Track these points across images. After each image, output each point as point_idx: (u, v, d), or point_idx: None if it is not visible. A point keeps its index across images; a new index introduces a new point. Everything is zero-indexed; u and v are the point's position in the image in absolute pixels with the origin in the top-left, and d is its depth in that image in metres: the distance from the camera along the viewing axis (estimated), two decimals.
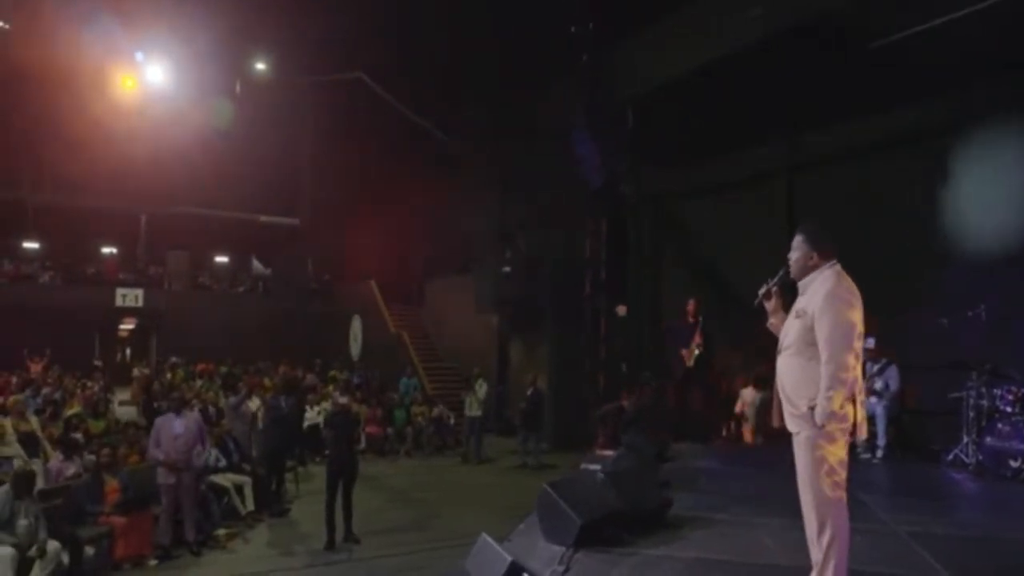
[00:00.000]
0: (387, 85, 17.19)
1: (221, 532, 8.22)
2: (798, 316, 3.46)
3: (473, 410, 13.78)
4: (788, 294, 3.64)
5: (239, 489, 9.11)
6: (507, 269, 16.51)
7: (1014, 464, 6.59)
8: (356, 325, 22.67)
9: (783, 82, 9.88)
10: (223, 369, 17.48)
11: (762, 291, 3.71)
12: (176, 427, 7.87)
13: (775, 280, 3.67)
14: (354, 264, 22.96)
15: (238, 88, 18.95)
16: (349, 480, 8.09)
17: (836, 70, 9.18)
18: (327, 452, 9.00)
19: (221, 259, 27.87)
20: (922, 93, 9.08)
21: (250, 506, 9.14)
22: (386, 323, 21.07)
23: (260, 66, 18.20)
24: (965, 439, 7.25)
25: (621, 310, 13.02)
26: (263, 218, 24.55)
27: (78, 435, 8.89)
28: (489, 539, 3.50)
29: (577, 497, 4.58)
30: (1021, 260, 7.81)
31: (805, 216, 7.29)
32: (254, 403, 11.34)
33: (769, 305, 3.71)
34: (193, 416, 8.36)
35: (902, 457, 7.91)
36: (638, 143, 12.63)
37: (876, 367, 8.08)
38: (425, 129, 17.21)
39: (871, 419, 7.90)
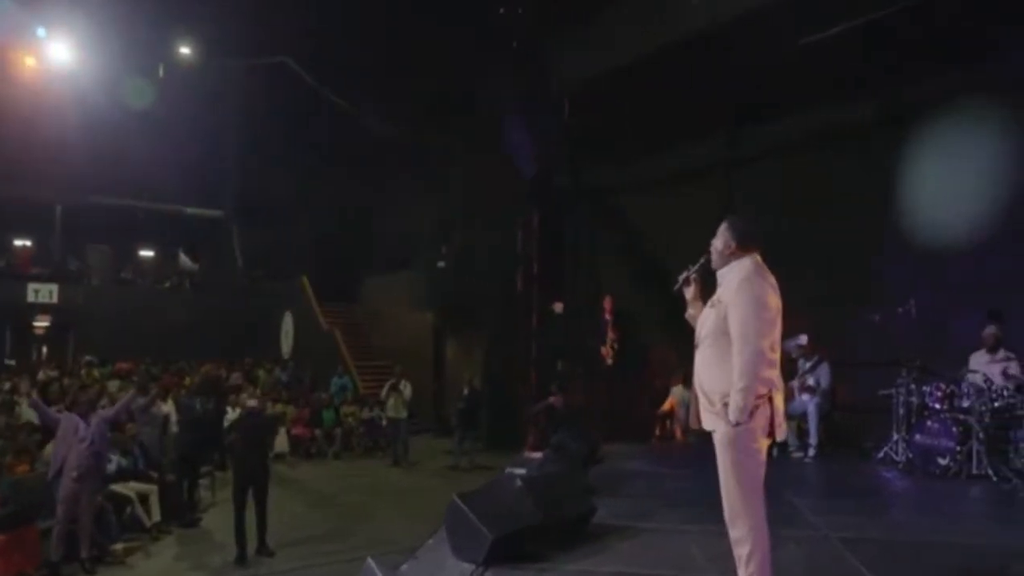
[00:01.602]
0: (319, 73, 16.48)
1: (119, 546, 7.57)
2: (712, 306, 3.26)
3: (399, 411, 13.25)
4: (709, 286, 3.40)
5: (143, 499, 8.44)
6: (442, 264, 16.11)
7: (942, 461, 6.59)
8: (287, 322, 21.99)
9: (722, 76, 9.71)
10: (142, 368, 16.57)
11: (681, 277, 3.51)
12: (81, 431, 7.20)
13: (695, 267, 3.49)
14: (286, 259, 22.17)
15: (161, 72, 17.90)
16: (260, 489, 7.54)
17: (773, 64, 9.05)
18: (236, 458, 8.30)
19: (146, 253, 26.63)
20: (858, 88, 9.06)
21: (156, 516, 8.48)
22: (318, 320, 20.39)
23: (183, 49, 17.19)
24: (895, 436, 7.25)
25: (558, 307, 12.73)
26: (190, 210, 23.51)
27: None
28: (373, 564, 3.09)
29: (489, 508, 4.20)
30: (951, 256, 7.83)
31: (742, 211, 7.11)
32: (167, 405, 10.63)
33: (688, 292, 3.53)
34: (98, 420, 7.62)
35: (833, 454, 7.84)
36: (575, 135, 12.33)
37: (808, 364, 8.01)
38: (358, 119, 16.58)
39: (803, 416, 7.83)
